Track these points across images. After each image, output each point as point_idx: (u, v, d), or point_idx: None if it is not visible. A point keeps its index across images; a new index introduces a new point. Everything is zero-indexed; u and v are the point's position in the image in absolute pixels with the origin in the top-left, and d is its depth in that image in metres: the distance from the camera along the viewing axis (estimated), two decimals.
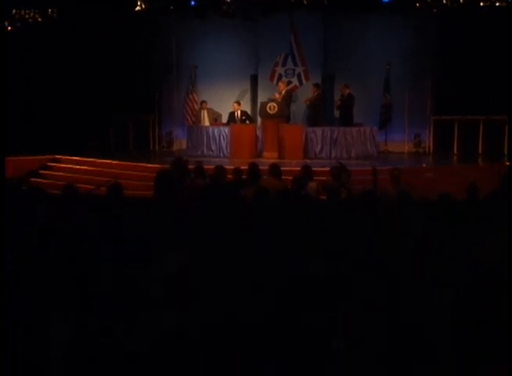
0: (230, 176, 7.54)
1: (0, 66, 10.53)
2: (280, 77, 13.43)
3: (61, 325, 3.06)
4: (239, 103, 13.22)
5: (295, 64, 13.39)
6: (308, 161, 10.58)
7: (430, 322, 3.08)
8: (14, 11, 12.62)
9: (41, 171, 11.69)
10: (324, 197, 6.69)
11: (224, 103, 13.74)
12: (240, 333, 3.02)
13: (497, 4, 11.64)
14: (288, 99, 12.99)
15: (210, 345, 2.97)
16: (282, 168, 8.13)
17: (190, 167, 7.79)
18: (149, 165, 10.89)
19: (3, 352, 2.92)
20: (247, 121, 12.98)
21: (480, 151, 13.26)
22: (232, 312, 3.08)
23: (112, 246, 3.74)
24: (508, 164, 10.80)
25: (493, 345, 2.93)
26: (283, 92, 12.95)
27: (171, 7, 12.91)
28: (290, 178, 7.65)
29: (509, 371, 2.83)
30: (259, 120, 12.92)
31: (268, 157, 11.42)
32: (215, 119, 13.99)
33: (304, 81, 13.41)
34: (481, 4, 11.83)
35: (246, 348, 2.96)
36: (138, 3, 12.62)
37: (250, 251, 3.72)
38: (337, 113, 13.49)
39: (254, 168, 7.95)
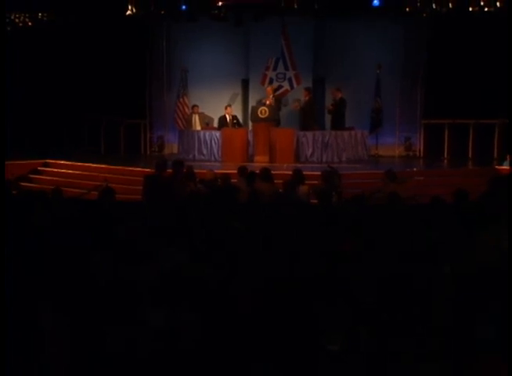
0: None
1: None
2: (271, 81, 13.44)
3: (57, 326, 3.05)
4: (230, 107, 13.22)
5: (286, 68, 13.39)
6: (299, 165, 10.59)
7: (430, 322, 3.09)
8: None
9: (31, 176, 11.62)
10: (315, 201, 6.71)
11: (215, 106, 13.71)
12: (235, 333, 3.02)
13: (486, 9, 11.72)
14: (278, 103, 12.99)
15: (205, 345, 2.96)
16: (273, 172, 8.15)
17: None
18: (140, 169, 10.85)
19: (3, 352, 2.91)
20: (237, 126, 12.97)
21: (470, 155, 13.34)
22: (228, 312, 3.09)
23: (106, 247, 3.74)
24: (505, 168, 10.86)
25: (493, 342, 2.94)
26: (271, 97, 12.94)
27: (162, 11, 12.91)
28: (282, 181, 7.67)
29: (509, 369, 2.83)
30: (250, 124, 12.91)
31: (260, 161, 11.40)
32: (207, 123, 13.95)
33: (295, 85, 13.42)
34: (471, 9, 11.90)
35: (240, 348, 2.96)
36: (129, 7, 12.60)
37: (247, 251, 3.73)
38: (328, 117, 13.50)
39: (244, 171, 8.01)
